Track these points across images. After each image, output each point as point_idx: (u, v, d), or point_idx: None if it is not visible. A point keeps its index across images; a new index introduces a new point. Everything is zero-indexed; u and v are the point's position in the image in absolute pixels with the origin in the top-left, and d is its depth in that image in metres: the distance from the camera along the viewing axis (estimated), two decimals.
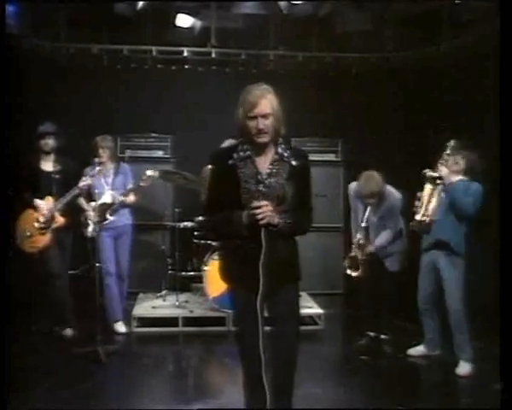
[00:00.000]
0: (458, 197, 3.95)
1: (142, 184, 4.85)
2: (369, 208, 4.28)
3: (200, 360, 4.53)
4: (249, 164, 2.55)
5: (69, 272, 5.00)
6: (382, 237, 4.37)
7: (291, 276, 2.68)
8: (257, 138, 2.51)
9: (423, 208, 4.13)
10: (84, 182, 4.62)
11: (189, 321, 5.07)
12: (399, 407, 3.53)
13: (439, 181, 3.99)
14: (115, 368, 4.18)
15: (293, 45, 6.39)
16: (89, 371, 4.03)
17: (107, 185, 4.90)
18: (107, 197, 4.84)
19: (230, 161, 2.55)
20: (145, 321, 5.10)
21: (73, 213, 4.76)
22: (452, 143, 4.02)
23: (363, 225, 4.29)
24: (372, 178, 4.26)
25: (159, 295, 5.65)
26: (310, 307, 5.26)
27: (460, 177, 4.05)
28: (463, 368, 4.05)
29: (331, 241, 6.36)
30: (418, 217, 4.14)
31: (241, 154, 2.57)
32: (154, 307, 5.29)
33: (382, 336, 4.54)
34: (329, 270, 6.26)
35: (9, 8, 5.31)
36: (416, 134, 6.13)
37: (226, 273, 2.73)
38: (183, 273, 5.57)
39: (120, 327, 4.97)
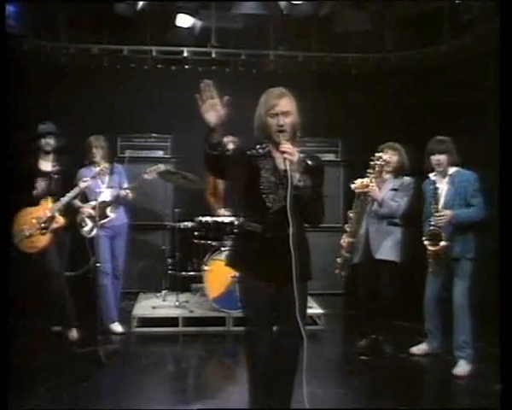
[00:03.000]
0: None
1: (145, 176, 4.94)
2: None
3: (200, 360, 4.52)
4: (268, 159, 2.71)
5: (68, 273, 4.98)
6: (391, 202, 4.34)
7: (305, 273, 2.74)
8: (277, 135, 2.63)
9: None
10: (85, 183, 4.63)
11: (189, 321, 5.07)
12: (400, 407, 3.53)
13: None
14: (115, 368, 4.18)
15: (293, 45, 6.39)
16: (89, 371, 4.03)
17: (104, 184, 4.90)
18: (106, 195, 4.86)
19: (249, 152, 2.72)
20: (145, 321, 5.10)
21: (71, 213, 4.76)
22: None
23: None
24: (399, 149, 4.42)
25: (159, 295, 5.65)
26: (310, 307, 5.26)
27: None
28: (461, 369, 4.05)
29: (331, 241, 6.36)
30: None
31: (260, 151, 2.72)
32: (154, 307, 5.29)
33: (382, 337, 4.52)
34: (329, 270, 6.24)
35: (9, 9, 5.31)
36: (416, 134, 6.13)
37: (242, 263, 2.79)
38: (183, 273, 5.57)
39: (117, 327, 4.96)
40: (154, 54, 6.20)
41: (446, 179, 4.09)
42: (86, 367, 4.09)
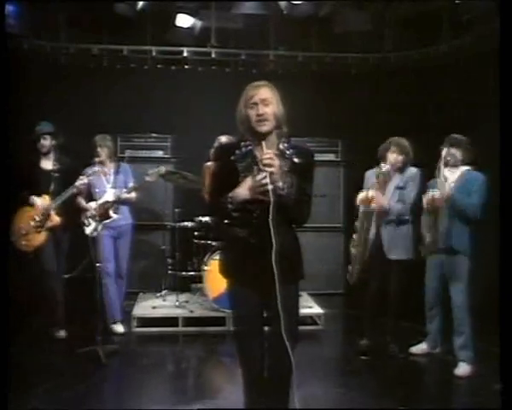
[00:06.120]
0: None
1: (147, 179, 4.87)
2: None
3: (200, 360, 4.52)
4: (249, 158, 2.58)
5: (66, 274, 4.95)
6: (398, 205, 4.31)
7: (296, 274, 2.66)
8: (258, 126, 2.52)
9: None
10: (81, 181, 4.61)
11: (189, 321, 5.07)
12: (400, 407, 3.53)
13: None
14: (115, 368, 4.18)
15: (293, 45, 6.40)
16: (89, 371, 4.03)
17: (109, 184, 4.91)
18: (109, 195, 4.86)
19: (232, 157, 2.59)
20: (145, 321, 5.10)
21: (71, 212, 4.73)
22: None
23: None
24: (404, 143, 4.40)
25: (159, 295, 5.65)
26: (310, 307, 5.27)
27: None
28: (462, 369, 4.05)
29: (331, 241, 6.37)
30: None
31: (243, 149, 2.60)
32: (154, 307, 5.29)
33: (387, 337, 4.52)
34: (329, 270, 6.26)
35: (9, 9, 5.32)
36: (415, 134, 6.13)
37: (228, 270, 2.71)
38: (183, 273, 5.56)
39: (118, 327, 4.95)
40: (153, 54, 6.20)
41: (456, 175, 4.13)
42: (86, 367, 4.09)
